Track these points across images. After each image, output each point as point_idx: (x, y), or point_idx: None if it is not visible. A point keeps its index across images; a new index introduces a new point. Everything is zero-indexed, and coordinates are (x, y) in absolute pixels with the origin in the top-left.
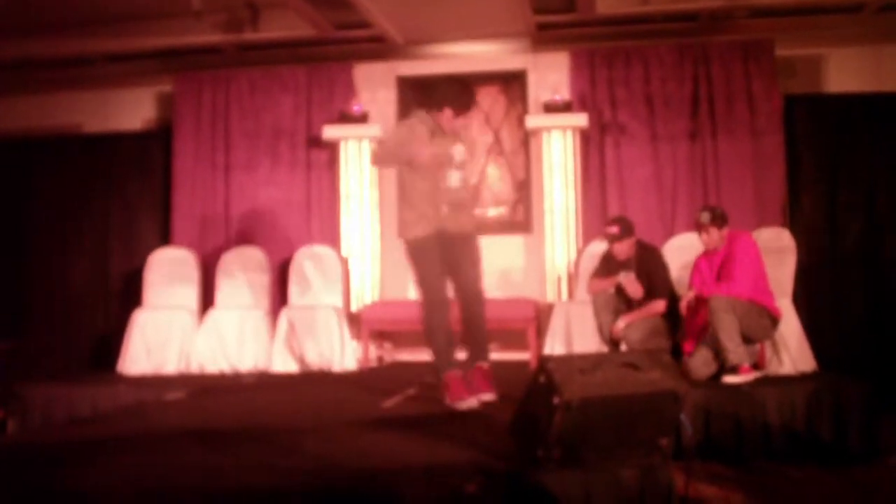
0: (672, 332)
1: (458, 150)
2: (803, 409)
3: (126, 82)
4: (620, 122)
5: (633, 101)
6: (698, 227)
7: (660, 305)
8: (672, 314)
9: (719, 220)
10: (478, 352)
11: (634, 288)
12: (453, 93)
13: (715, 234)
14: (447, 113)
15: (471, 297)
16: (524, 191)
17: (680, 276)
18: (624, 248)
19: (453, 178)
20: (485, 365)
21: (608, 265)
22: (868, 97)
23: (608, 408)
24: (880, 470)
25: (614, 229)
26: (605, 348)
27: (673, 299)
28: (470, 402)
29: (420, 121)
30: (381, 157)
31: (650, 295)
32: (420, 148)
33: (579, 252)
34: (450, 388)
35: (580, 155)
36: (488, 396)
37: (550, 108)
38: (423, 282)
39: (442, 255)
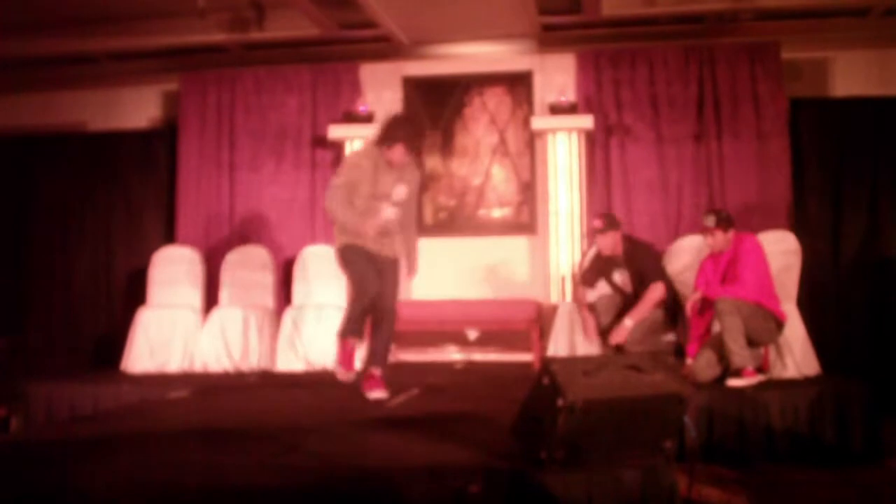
0: (672, 326)
1: (398, 190)
2: (806, 412)
3: (131, 81)
4: (626, 124)
5: (639, 102)
6: (704, 231)
7: (658, 290)
8: (671, 308)
9: (724, 223)
10: (376, 359)
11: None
12: (409, 132)
13: (720, 238)
14: (398, 149)
15: (386, 312)
16: (529, 192)
17: (685, 278)
18: (609, 243)
19: (387, 212)
20: (377, 372)
21: (597, 263)
22: (874, 101)
23: (612, 410)
24: (883, 472)
25: (598, 223)
26: (602, 348)
27: (673, 293)
28: (347, 376)
29: (367, 156)
30: (332, 213)
31: (643, 286)
32: (365, 228)
33: (583, 254)
34: (340, 353)
35: (585, 156)
36: (378, 394)
37: (556, 109)
38: (356, 275)
39: (371, 259)
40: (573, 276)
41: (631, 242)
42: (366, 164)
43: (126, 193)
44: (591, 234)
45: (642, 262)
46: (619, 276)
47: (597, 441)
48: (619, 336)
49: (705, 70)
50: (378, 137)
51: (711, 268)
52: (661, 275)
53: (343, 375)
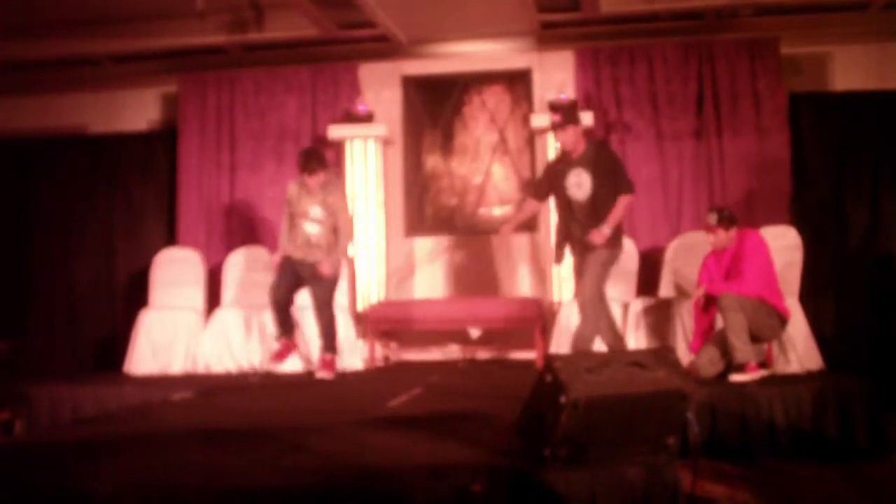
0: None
1: (315, 210)
2: (809, 407)
3: (131, 83)
4: (625, 121)
5: (638, 99)
6: (706, 228)
7: (629, 200)
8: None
9: (727, 221)
10: (324, 345)
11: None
12: (320, 160)
13: (722, 235)
14: (318, 177)
15: (317, 305)
16: (529, 190)
17: (688, 274)
18: (570, 138)
19: (310, 228)
20: (328, 356)
21: (550, 171)
22: (874, 95)
23: (615, 406)
24: (886, 467)
25: (556, 117)
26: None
27: None
28: (281, 364)
29: (297, 183)
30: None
31: (611, 193)
32: (285, 246)
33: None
34: (277, 349)
35: None
36: (325, 375)
37: (555, 107)
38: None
39: (295, 270)
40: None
41: (597, 144)
42: (293, 190)
43: (127, 195)
44: (552, 131)
45: (612, 167)
46: (575, 178)
47: (600, 438)
48: (599, 237)
49: (705, 66)
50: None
51: (714, 264)
52: (632, 186)
53: (276, 364)
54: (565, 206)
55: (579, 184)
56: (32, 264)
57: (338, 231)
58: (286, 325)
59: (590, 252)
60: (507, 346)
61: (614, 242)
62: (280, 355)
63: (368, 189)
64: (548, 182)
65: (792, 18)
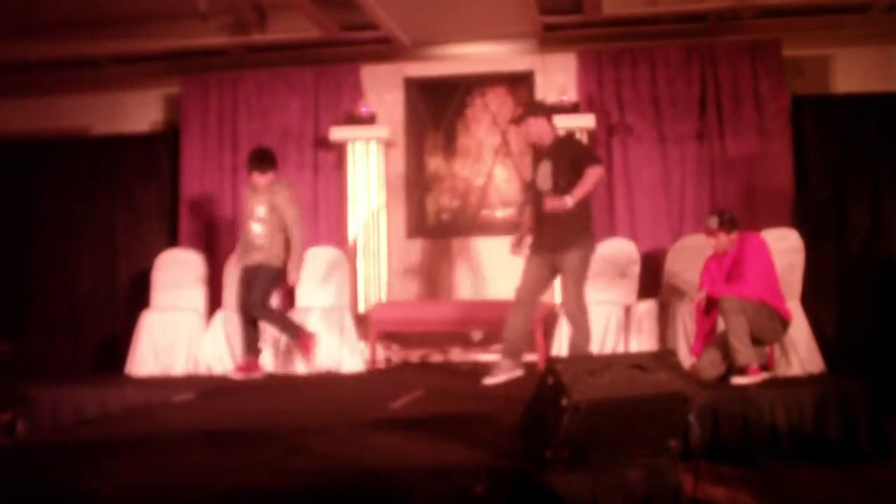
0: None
1: (260, 209)
2: (811, 410)
3: (133, 84)
4: (628, 123)
5: (641, 102)
6: (707, 232)
7: (599, 171)
8: None
9: (727, 224)
10: (247, 346)
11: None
12: (271, 160)
13: (724, 239)
14: (268, 176)
15: (249, 305)
16: (532, 192)
17: (689, 277)
18: (531, 130)
19: (255, 227)
20: (250, 359)
21: (534, 159)
22: (876, 97)
23: (616, 409)
24: (888, 470)
25: (519, 110)
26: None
27: None
28: (237, 375)
29: (250, 187)
30: None
31: (577, 175)
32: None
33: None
34: (242, 363)
35: None
36: (257, 374)
37: (558, 109)
38: None
39: (243, 277)
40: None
41: (563, 135)
42: (248, 195)
43: (129, 197)
44: (515, 125)
45: (576, 156)
46: (544, 169)
47: (601, 440)
48: (554, 203)
49: (707, 68)
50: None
51: (716, 267)
52: (600, 161)
53: (238, 376)
54: (535, 200)
55: (545, 175)
56: (34, 265)
57: (284, 230)
58: (252, 340)
59: (559, 260)
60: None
61: (583, 243)
62: (244, 370)
63: (370, 191)
64: (529, 182)
65: (794, 21)
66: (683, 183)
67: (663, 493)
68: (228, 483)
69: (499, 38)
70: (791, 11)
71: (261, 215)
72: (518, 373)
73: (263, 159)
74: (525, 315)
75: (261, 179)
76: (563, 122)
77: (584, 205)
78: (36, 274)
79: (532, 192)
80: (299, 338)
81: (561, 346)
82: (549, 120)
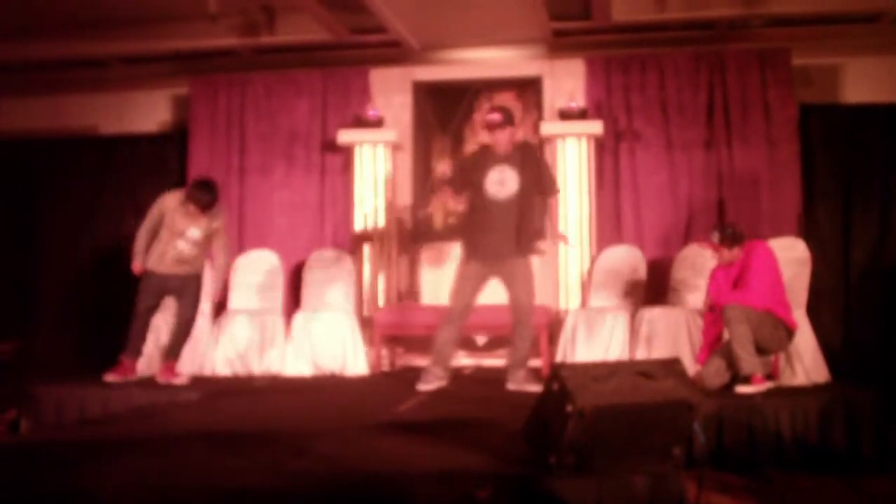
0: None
1: (194, 231)
2: (816, 419)
3: (142, 85)
4: (635, 130)
5: (649, 108)
6: (710, 246)
7: (556, 199)
8: None
9: (729, 240)
10: (172, 350)
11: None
12: (215, 197)
13: (726, 254)
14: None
15: (182, 321)
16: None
17: (696, 285)
18: (506, 138)
19: (183, 246)
20: (172, 361)
21: (471, 165)
22: (884, 107)
23: (621, 416)
24: (893, 480)
25: (497, 116)
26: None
27: None
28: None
29: (177, 200)
30: None
31: (539, 192)
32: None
33: (593, 259)
34: (118, 366)
35: (595, 162)
36: (177, 380)
37: (566, 115)
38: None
39: (162, 285)
40: (583, 282)
41: (525, 144)
42: (169, 205)
43: (136, 197)
44: (488, 130)
45: (541, 168)
46: (498, 175)
47: (606, 447)
48: (566, 239)
49: (715, 76)
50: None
51: (723, 276)
52: (558, 188)
53: (111, 377)
54: (483, 206)
55: (502, 181)
56: (40, 264)
57: (218, 252)
58: (138, 343)
59: (509, 265)
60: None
61: (532, 248)
62: (118, 372)
63: (377, 194)
64: (463, 177)
65: (803, 30)
66: (690, 190)
67: (667, 500)
68: (231, 484)
69: (507, 42)
70: (800, 20)
71: (194, 237)
72: (445, 383)
73: (213, 198)
74: (458, 327)
75: (203, 208)
76: (571, 129)
77: (533, 213)
78: (42, 273)
79: (479, 198)
80: (123, 356)
81: (565, 351)
82: (516, 131)
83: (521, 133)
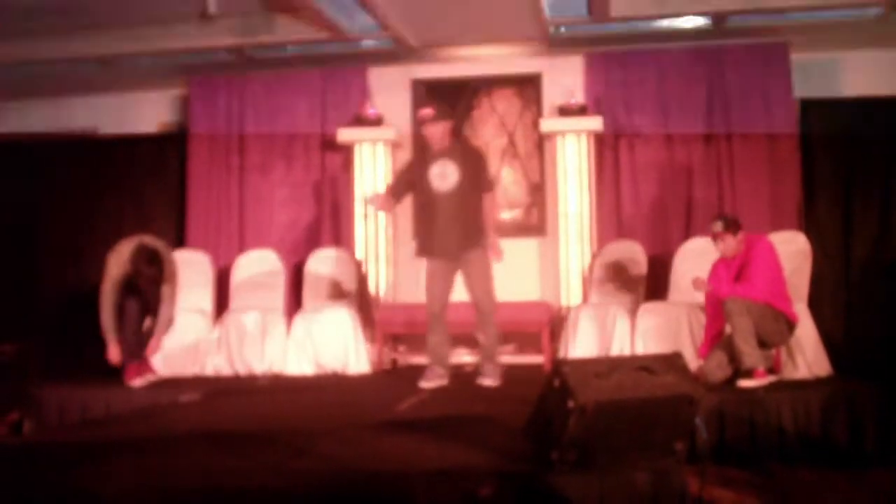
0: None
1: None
2: (818, 413)
3: (142, 85)
4: (635, 126)
5: (648, 104)
6: (713, 236)
7: (493, 198)
8: None
9: (733, 226)
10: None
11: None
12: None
13: (731, 241)
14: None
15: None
16: (538, 194)
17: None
18: (439, 132)
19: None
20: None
21: (420, 158)
22: (884, 101)
23: (623, 411)
24: (895, 473)
25: (429, 111)
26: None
27: None
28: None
29: (131, 263)
30: None
31: (476, 189)
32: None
33: (594, 255)
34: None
35: (594, 158)
36: (151, 376)
37: (565, 111)
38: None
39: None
40: (584, 278)
41: (463, 139)
42: (126, 270)
43: (136, 198)
44: (422, 124)
45: (479, 164)
46: (440, 169)
47: (608, 443)
48: (499, 254)
49: (714, 71)
50: None
51: (724, 270)
52: (494, 185)
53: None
54: (429, 201)
55: (444, 174)
56: (41, 265)
57: (164, 300)
58: (132, 342)
59: (464, 260)
60: (516, 350)
61: (482, 240)
62: (137, 374)
63: (377, 192)
64: (407, 179)
65: (802, 23)
66: (690, 185)
67: (669, 495)
68: (233, 484)
69: (506, 40)
70: (798, 14)
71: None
72: (446, 381)
73: (154, 261)
74: (443, 325)
75: (145, 282)
76: (571, 125)
77: (479, 205)
78: (43, 274)
79: (424, 194)
80: (127, 362)
81: (567, 348)
82: (453, 125)
83: (451, 126)
